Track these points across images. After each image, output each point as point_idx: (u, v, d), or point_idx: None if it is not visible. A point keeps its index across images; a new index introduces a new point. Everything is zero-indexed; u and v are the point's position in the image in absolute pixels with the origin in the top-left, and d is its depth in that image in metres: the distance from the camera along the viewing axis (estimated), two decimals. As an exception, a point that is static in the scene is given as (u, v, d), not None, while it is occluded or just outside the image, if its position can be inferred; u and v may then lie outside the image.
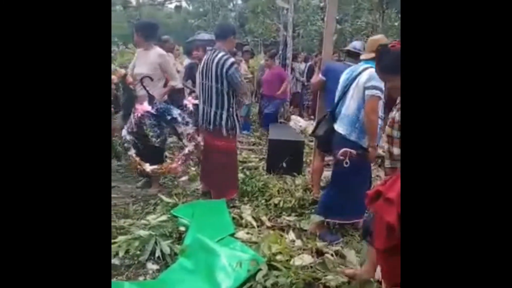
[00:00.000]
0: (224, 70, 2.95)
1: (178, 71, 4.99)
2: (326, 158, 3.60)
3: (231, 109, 3.08)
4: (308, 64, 8.39)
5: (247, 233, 2.65)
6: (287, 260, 2.18)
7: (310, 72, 8.12)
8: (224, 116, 3.07)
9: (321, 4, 13.88)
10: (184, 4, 23.64)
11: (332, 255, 2.33)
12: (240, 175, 3.64)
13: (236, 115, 3.15)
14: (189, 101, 3.46)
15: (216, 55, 3.00)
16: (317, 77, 3.46)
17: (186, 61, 5.39)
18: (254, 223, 2.80)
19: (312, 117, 7.39)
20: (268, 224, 2.84)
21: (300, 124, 6.41)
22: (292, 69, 7.36)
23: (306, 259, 2.23)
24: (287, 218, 2.97)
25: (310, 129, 6.21)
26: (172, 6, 23.21)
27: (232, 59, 3.00)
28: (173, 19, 23.22)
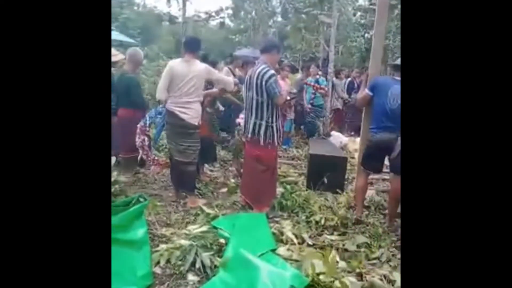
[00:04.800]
0: (264, 81, 3.05)
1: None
2: (370, 177, 3.46)
3: (269, 120, 3.15)
4: (348, 80, 8.23)
5: (288, 249, 2.58)
6: (331, 281, 2.07)
7: (350, 88, 7.97)
8: (263, 126, 3.15)
9: (362, 21, 13.69)
10: (227, 20, 24.29)
11: (381, 279, 2.19)
12: (280, 189, 3.58)
13: (276, 127, 3.20)
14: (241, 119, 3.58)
15: (258, 68, 3.14)
16: (363, 92, 3.36)
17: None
18: (295, 240, 2.71)
19: (353, 133, 7.20)
20: (310, 242, 2.74)
21: (341, 140, 6.24)
22: (333, 86, 7.23)
23: (351, 281, 2.11)
24: (329, 237, 2.86)
25: (351, 146, 6.05)
26: (214, 23, 23.97)
27: (271, 71, 3.10)
28: (216, 35, 23.88)
